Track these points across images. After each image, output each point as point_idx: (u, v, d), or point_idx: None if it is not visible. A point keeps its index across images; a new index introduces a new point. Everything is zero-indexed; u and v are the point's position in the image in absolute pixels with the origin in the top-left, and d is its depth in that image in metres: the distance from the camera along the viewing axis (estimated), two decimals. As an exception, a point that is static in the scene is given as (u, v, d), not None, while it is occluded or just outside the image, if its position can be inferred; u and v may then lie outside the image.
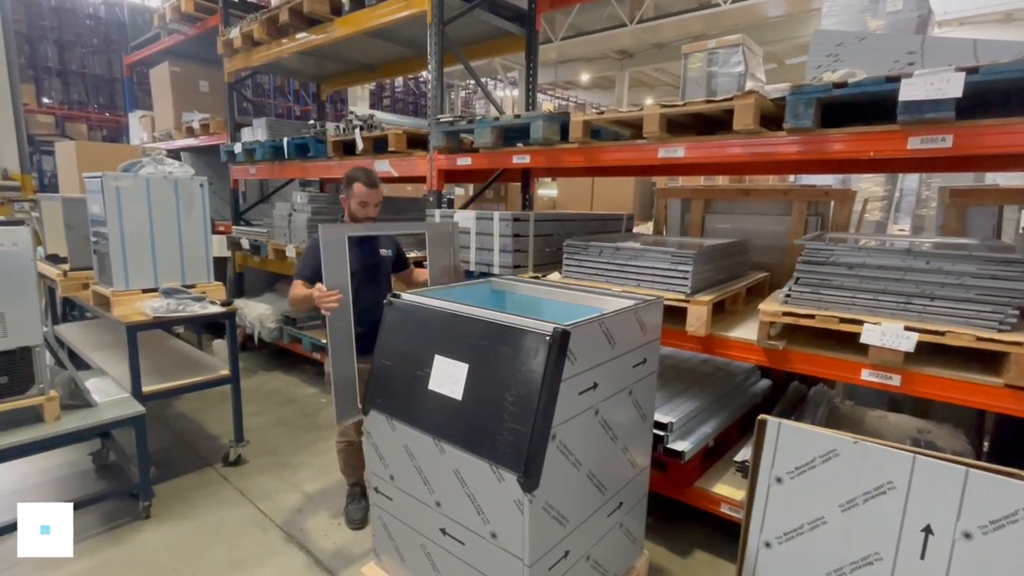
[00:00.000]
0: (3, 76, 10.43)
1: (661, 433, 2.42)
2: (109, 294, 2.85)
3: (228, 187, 5.47)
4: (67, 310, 4.63)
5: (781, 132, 2.08)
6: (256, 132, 4.85)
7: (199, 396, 4.07)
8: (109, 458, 3.15)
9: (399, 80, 19.32)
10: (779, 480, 2.00)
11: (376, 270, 2.69)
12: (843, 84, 1.88)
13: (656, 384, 2.19)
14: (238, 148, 4.86)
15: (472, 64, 3.95)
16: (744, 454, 2.35)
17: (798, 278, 2.14)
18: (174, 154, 6.06)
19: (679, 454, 2.40)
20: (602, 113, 2.50)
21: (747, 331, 2.36)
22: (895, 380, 1.92)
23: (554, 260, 3.14)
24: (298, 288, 2.41)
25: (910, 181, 5.25)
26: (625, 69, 14.74)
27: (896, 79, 1.76)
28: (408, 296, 2.02)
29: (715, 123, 2.42)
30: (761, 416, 2.01)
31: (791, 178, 5.65)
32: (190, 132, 5.67)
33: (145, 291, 2.94)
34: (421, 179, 3.51)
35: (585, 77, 16.14)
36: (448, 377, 1.78)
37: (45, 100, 14.48)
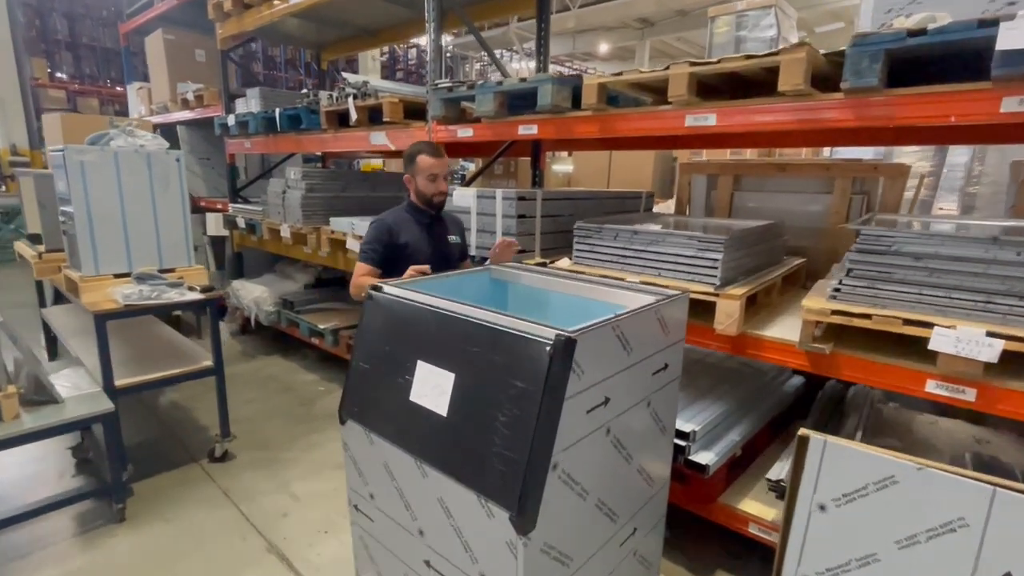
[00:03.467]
0: (9, 53, 10.26)
1: (682, 443, 2.13)
2: (77, 279, 2.62)
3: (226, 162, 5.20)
4: (59, 291, 4.46)
5: (836, 94, 1.72)
6: (250, 103, 4.56)
7: (192, 382, 3.89)
8: (90, 452, 2.97)
9: (412, 52, 18.78)
10: (823, 508, 1.70)
11: (446, 261, 2.37)
12: (920, 31, 1.51)
13: (678, 391, 1.89)
14: (231, 120, 4.57)
15: (486, 35, 3.58)
16: (778, 471, 2.06)
17: (850, 270, 1.80)
18: (170, 128, 5.81)
19: (702, 468, 2.12)
20: (620, 75, 2.15)
21: (785, 329, 2.04)
22: (970, 395, 1.60)
23: (564, 244, 2.83)
24: (364, 277, 2.23)
25: (957, 156, 4.78)
26: (646, 39, 14.01)
27: (993, 23, 1.39)
28: (391, 289, 1.74)
29: (751, 87, 2.06)
30: (803, 431, 1.71)
31: (826, 152, 5.20)
32: (185, 104, 5.40)
33: (117, 276, 2.71)
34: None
35: (604, 48, 15.44)
36: (432, 387, 1.51)
37: (58, 74, 14.34)
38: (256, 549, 2.36)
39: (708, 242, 2.03)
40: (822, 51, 1.79)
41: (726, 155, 5.05)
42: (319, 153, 5.93)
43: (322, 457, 3.10)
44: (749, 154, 5.03)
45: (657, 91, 2.31)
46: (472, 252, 2.80)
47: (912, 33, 1.53)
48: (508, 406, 1.32)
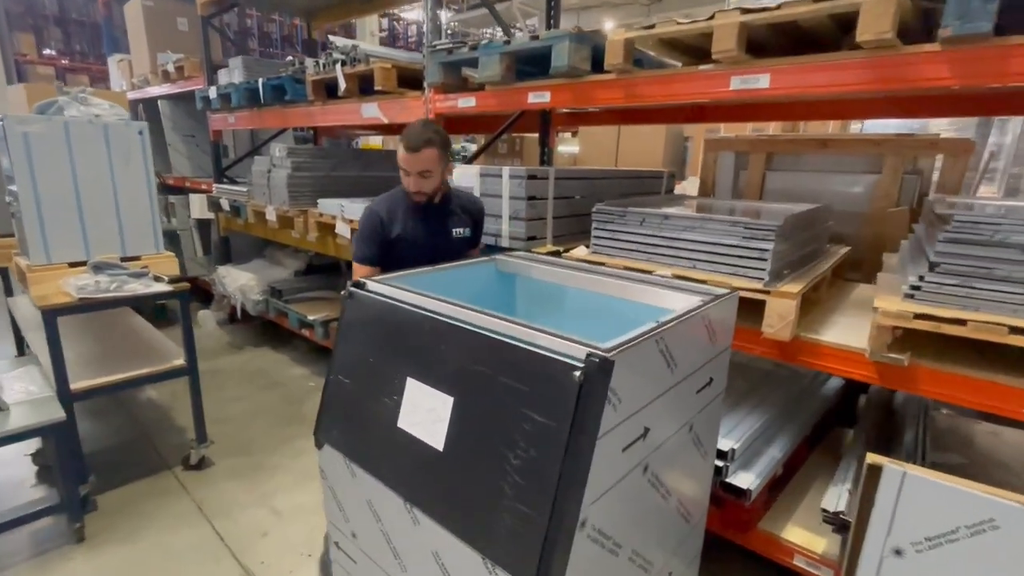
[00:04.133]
0: (-11, 26, 9.80)
1: (719, 463, 1.83)
2: (25, 268, 2.30)
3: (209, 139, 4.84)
4: (30, 278, 4.14)
5: (931, 45, 1.38)
6: (232, 74, 4.19)
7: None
8: (51, 459, 2.69)
9: (412, 29, 18.15)
10: (899, 552, 1.40)
11: (446, 259, 1.88)
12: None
13: (722, 407, 1.58)
14: (213, 93, 4.21)
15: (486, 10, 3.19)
16: (834, 498, 1.76)
17: (935, 264, 1.48)
18: (151, 103, 5.44)
19: (743, 492, 1.82)
20: (651, 27, 1.80)
21: (843, 332, 1.73)
22: (1094, 421, 1.29)
23: (579, 230, 2.50)
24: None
25: (1000, 135, 4.41)
26: (652, 15, 13.47)
27: None
28: (376, 286, 1.42)
29: (806, 46, 1.72)
30: (873, 458, 1.40)
31: (854, 127, 4.83)
32: (166, 77, 5.02)
33: (73, 265, 2.39)
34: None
35: (609, 25, 14.90)
36: (426, 413, 1.20)
37: (46, 51, 13.83)
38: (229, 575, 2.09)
39: (757, 229, 1.70)
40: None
41: (747, 131, 4.67)
42: (310, 130, 5.56)
43: (310, 464, 2.81)
44: (772, 130, 4.65)
45: (692, 51, 1.97)
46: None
47: (1043, -40, 1.19)
48: (523, 445, 1.02)
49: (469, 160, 3.36)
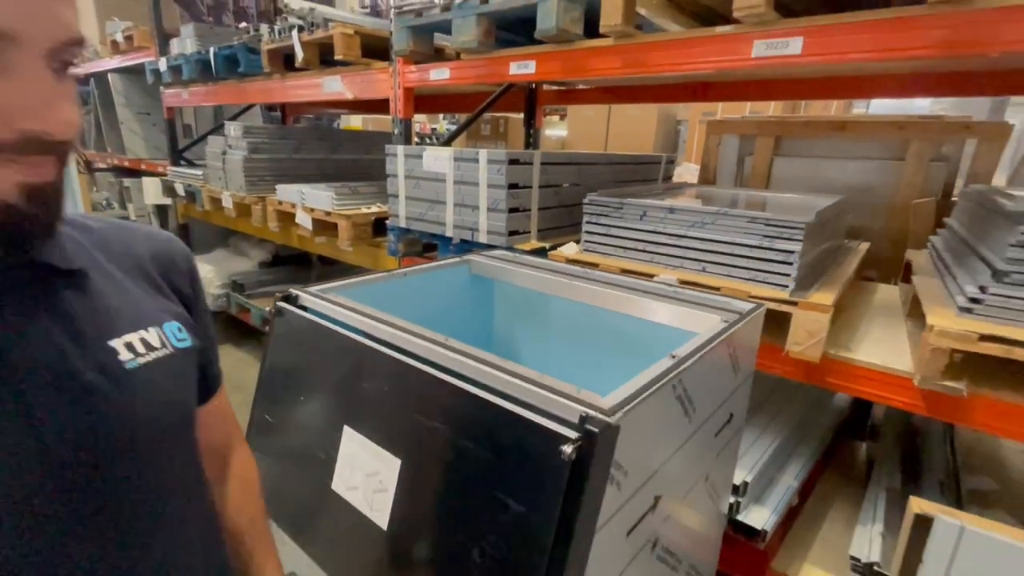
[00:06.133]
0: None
1: (729, 499, 1.57)
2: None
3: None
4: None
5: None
6: (185, 44, 3.78)
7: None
8: None
9: (393, 4, 17.45)
10: None
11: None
12: None
13: (740, 445, 1.31)
14: (163, 65, 3.80)
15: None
16: (864, 544, 1.50)
17: (1004, 273, 1.21)
18: (102, 78, 4.98)
19: (756, 533, 1.56)
20: (658, -19, 1.49)
21: (878, 348, 1.46)
22: None
23: (569, 223, 2.20)
24: None
25: (1015, 114, 4.18)
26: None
27: None
28: (313, 300, 1.11)
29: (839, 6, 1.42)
30: (920, 506, 1.14)
31: (856, 108, 4.55)
32: (116, 48, 4.57)
33: None
34: (385, 105, 2.51)
35: None
36: (365, 477, 0.90)
37: None
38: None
39: (783, 227, 1.41)
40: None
41: (745, 113, 4.38)
42: (279, 108, 5.15)
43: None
44: (773, 111, 4.36)
45: (703, 17, 1.66)
46: (447, 233, 2.15)
47: None
48: (493, 539, 0.73)
49: (446, 142, 3.03)
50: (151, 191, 4.34)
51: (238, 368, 3.76)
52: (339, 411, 0.97)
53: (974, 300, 1.25)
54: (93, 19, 4.80)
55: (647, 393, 0.75)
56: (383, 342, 0.93)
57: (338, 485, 0.94)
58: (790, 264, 1.42)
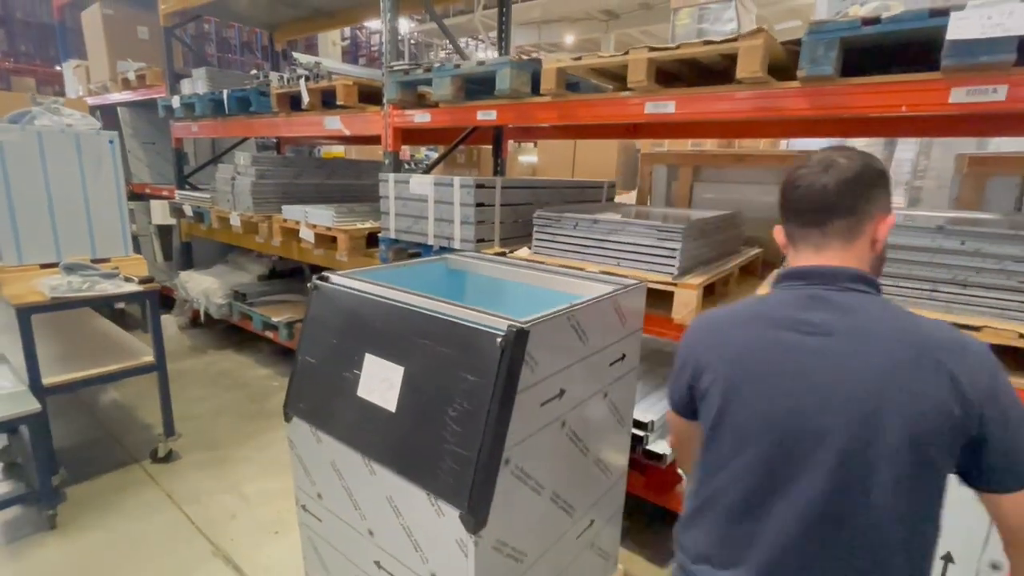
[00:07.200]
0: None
1: (640, 433, 2.12)
2: (-2, 270, 2.42)
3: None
4: None
5: (793, 83, 1.72)
6: (196, 84, 4.32)
7: (136, 381, 3.68)
8: (18, 456, 2.77)
9: (375, 38, 18.28)
10: (995, 567, 1.50)
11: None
12: (875, 20, 1.51)
13: (636, 382, 1.87)
14: (176, 102, 4.32)
15: (451, 22, 3.47)
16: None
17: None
18: (110, 110, 5.46)
19: (660, 457, 2.11)
20: (579, 59, 2.10)
21: (741, 318, 2.05)
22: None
23: (524, 233, 2.78)
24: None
25: (905, 151, 4.96)
26: (611, 31, 14.00)
27: (944, 12, 1.40)
28: (338, 279, 1.65)
29: (712, 76, 2.05)
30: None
31: (783, 144, 5.30)
32: (126, 84, 5.08)
33: (44, 266, 2.51)
34: (377, 140, 3.08)
35: (569, 39, 15.37)
36: (380, 382, 1.44)
37: (-12, 52, 13.32)
38: (200, 553, 2.25)
39: (667, 232, 2.01)
40: (780, 40, 1.79)
41: (687, 146, 5.09)
42: (273, 139, 5.69)
43: (275, 455, 2.98)
44: (710, 145, 5.08)
45: (618, 78, 2.28)
46: (429, 242, 2.71)
47: (866, 22, 1.53)
48: (459, 400, 1.27)
49: (427, 170, 3.61)
50: (158, 212, 4.80)
51: (240, 369, 4.21)
52: (361, 345, 1.50)
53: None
54: (105, 58, 5.30)
55: (548, 318, 1.31)
56: (390, 299, 1.47)
57: (362, 391, 1.47)
58: (674, 257, 2.01)
